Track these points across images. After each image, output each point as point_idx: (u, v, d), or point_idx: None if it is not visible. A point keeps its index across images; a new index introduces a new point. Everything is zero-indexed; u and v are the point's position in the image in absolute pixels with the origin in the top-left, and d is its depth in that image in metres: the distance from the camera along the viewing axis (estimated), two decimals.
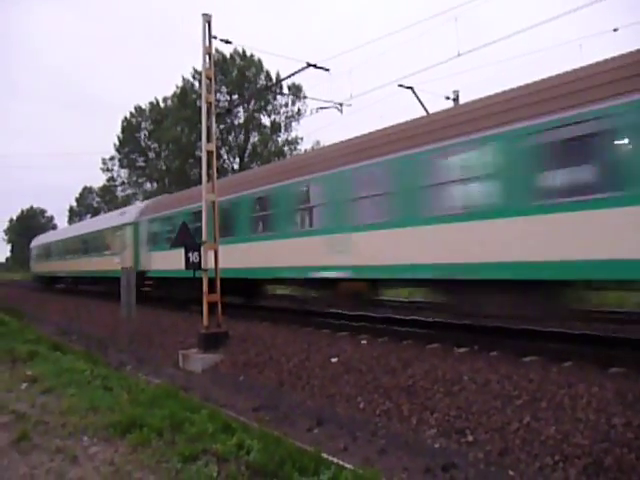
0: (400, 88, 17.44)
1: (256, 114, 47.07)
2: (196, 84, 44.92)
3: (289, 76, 17.44)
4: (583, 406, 5.45)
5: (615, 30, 13.74)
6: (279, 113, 47.49)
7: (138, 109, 54.77)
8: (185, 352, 10.69)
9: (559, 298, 7.65)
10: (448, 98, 19.13)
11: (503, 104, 7.87)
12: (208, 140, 11.28)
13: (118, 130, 54.74)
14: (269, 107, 47.13)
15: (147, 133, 54.36)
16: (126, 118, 54.84)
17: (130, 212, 21.84)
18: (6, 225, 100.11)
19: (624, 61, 6.66)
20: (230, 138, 47.08)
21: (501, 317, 9.00)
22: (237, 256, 13.31)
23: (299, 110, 46.81)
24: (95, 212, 68.34)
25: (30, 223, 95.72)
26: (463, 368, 7.09)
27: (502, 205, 7.57)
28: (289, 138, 47.92)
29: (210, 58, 11.43)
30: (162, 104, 51.78)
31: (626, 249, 6.17)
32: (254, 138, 47.60)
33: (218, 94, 42.78)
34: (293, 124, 47.60)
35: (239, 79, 45.67)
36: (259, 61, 45.92)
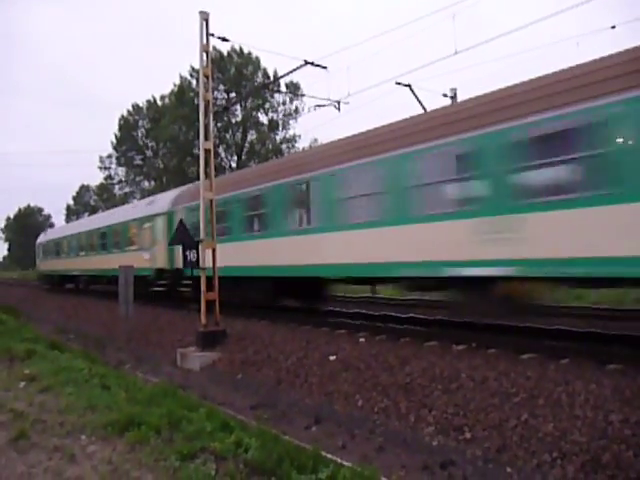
0: (398, 86, 17.45)
1: (254, 112, 47.01)
2: (193, 82, 44.83)
3: (287, 74, 17.43)
4: (581, 403, 5.46)
5: (613, 27, 13.76)
6: (277, 111, 47.50)
7: (135, 107, 54.71)
8: (183, 350, 10.68)
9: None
10: (446, 95, 19.13)
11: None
12: (206, 138, 11.25)
13: (116, 128, 54.77)
14: (267, 105, 47.09)
15: (144, 131, 54.31)
16: (123, 116, 54.79)
17: (161, 200, 19.00)
18: (3, 224, 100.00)
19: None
20: (228, 136, 47.04)
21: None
22: (344, 248, 10.31)
23: (297, 108, 46.85)
24: (92, 210, 68.20)
25: (27, 221, 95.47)
26: (461, 365, 7.10)
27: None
28: (287, 136, 47.97)
29: (207, 56, 11.40)
30: (159, 102, 51.73)
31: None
32: (252, 136, 47.58)
33: (216, 92, 42.68)
34: (291, 122, 47.65)
35: (236, 77, 45.62)
36: (257, 59, 45.91)
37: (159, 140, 49.58)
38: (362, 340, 9.46)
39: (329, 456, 4.88)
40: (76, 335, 14.66)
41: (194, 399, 6.96)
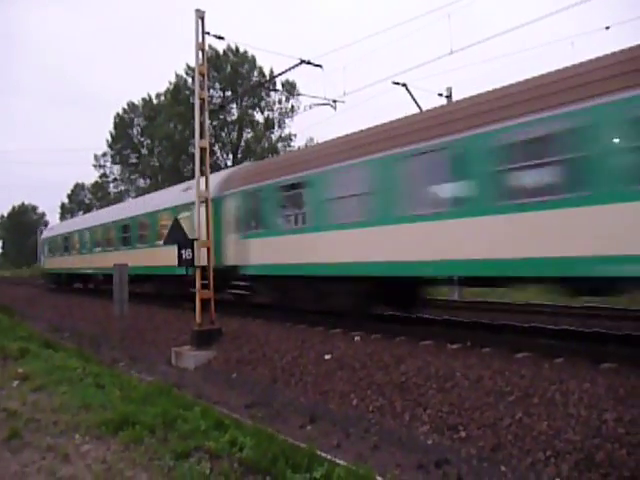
0: (393, 85, 17.48)
1: (249, 111, 46.95)
2: (189, 80, 44.69)
3: (282, 73, 17.37)
4: (575, 402, 5.48)
5: (607, 28, 13.82)
6: (272, 110, 47.44)
7: (131, 105, 54.49)
8: (178, 349, 10.66)
9: None
10: (441, 95, 19.17)
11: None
12: (201, 136, 11.23)
13: (111, 126, 54.54)
14: (262, 104, 47.02)
15: (140, 129, 54.10)
16: (118, 114, 54.55)
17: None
18: None
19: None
20: (223, 134, 46.94)
21: None
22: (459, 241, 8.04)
23: (292, 107, 46.81)
24: (87, 209, 67.88)
25: (22, 219, 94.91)
26: (456, 364, 7.11)
27: None
28: (282, 135, 47.92)
29: (203, 54, 11.38)
30: (155, 100, 51.54)
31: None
32: (247, 135, 47.49)
33: (211, 90, 42.62)
34: (287, 121, 47.61)
35: (232, 75, 45.52)
36: (252, 57, 45.82)
37: (154, 138, 49.40)
38: (357, 339, 9.45)
39: (324, 455, 4.89)
40: (70, 334, 14.61)
41: (189, 398, 6.95)
